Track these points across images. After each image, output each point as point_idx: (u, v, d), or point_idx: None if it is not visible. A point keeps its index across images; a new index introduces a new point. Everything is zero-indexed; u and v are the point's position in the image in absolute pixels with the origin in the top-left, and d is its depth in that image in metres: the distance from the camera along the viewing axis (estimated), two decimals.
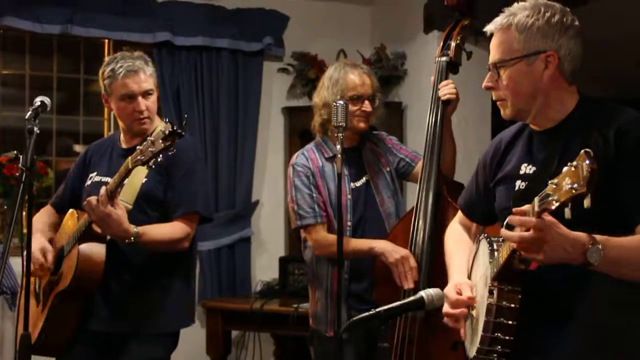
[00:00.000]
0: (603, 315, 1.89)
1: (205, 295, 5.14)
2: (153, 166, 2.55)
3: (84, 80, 5.31)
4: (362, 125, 3.15)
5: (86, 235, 2.79)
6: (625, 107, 1.94)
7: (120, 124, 3.03)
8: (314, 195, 3.16)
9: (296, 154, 3.29)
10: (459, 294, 2.06)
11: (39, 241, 2.89)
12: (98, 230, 2.77)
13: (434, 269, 2.80)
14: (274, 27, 5.38)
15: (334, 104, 2.82)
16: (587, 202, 1.50)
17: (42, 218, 3.10)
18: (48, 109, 2.71)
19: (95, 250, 2.79)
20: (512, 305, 1.86)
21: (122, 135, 3.04)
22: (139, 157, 2.53)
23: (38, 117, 2.60)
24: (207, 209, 3.00)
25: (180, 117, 5.09)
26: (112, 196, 2.64)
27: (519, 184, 2.02)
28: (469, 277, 2.14)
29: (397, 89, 5.33)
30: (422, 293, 2.05)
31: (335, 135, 2.84)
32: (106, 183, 2.89)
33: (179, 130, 2.44)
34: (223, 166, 5.19)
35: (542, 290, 1.90)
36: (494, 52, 2.00)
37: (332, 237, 3.07)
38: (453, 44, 3.05)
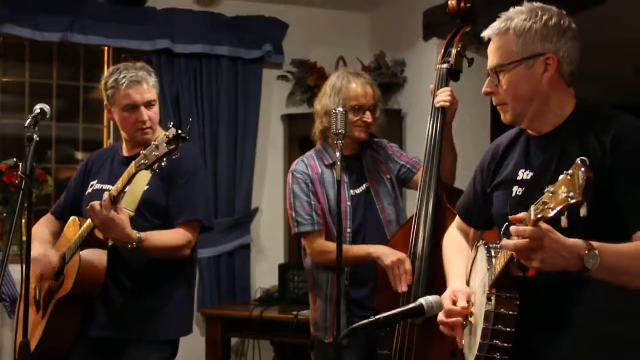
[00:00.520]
0: (601, 323, 1.89)
1: (204, 302, 5.14)
2: (157, 170, 2.56)
3: (84, 87, 5.32)
4: (362, 135, 3.16)
5: (88, 241, 2.80)
6: (622, 113, 1.94)
7: (123, 133, 3.04)
8: (313, 203, 3.16)
9: (296, 161, 3.30)
10: (455, 302, 2.05)
11: (39, 248, 2.91)
12: (101, 235, 2.78)
13: (434, 276, 2.79)
14: (274, 35, 5.40)
15: (334, 111, 2.82)
16: (583, 211, 1.50)
17: (43, 228, 3.11)
18: (48, 116, 2.71)
19: (97, 256, 2.80)
20: (511, 313, 1.86)
21: (124, 145, 3.06)
22: (143, 162, 2.54)
23: (38, 125, 2.60)
24: (208, 218, 3.00)
25: (180, 124, 5.09)
26: (115, 201, 2.65)
27: (517, 190, 2.02)
28: (468, 284, 2.14)
29: (397, 96, 5.33)
30: (422, 300, 2.05)
31: (335, 142, 2.85)
32: (107, 191, 2.90)
33: (184, 135, 2.44)
34: (223, 173, 5.19)
35: (540, 298, 1.90)
36: (493, 57, 2.00)
37: (330, 245, 3.08)
38: (454, 51, 3.05)
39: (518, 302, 1.86)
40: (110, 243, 2.82)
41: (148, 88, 2.91)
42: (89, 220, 2.79)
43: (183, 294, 3.00)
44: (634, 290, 1.85)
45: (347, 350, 3.02)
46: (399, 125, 5.20)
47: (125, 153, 3.03)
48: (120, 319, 2.87)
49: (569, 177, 1.52)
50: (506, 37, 1.97)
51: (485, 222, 2.22)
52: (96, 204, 2.64)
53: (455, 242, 2.36)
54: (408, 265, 2.88)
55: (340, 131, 2.79)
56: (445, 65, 3.06)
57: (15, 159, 4.49)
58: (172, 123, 2.52)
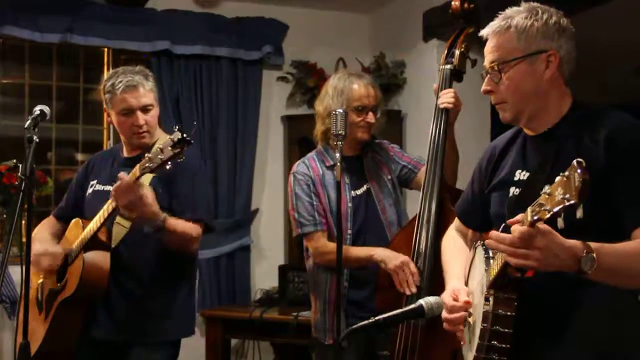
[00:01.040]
0: (600, 323, 1.89)
1: (204, 303, 5.14)
2: (159, 174, 2.56)
3: (84, 89, 5.31)
4: (364, 136, 3.16)
5: (91, 243, 2.80)
6: (616, 110, 1.95)
7: (122, 136, 3.05)
8: (314, 203, 3.17)
9: (297, 163, 3.30)
10: (456, 299, 2.06)
11: (39, 246, 2.92)
12: (104, 237, 2.80)
13: (436, 277, 2.79)
14: (274, 36, 5.39)
15: (333, 112, 2.83)
16: (579, 213, 1.51)
17: (44, 229, 3.12)
18: (47, 117, 2.71)
19: (100, 258, 2.81)
20: (508, 313, 1.86)
21: (124, 146, 3.07)
22: (147, 164, 2.54)
23: (37, 126, 2.61)
24: (210, 218, 3.01)
25: (181, 125, 5.07)
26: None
27: (513, 191, 2.02)
28: (466, 284, 2.13)
29: (397, 97, 5.33)
30: (422, 301, 2.05)
31: (335, 143, 2.85)
32: (108, 192, 2.91)
33: (188, 138, 2.45)
34: (222, 174, 5.19)
35: (539, 298, 1.90)
36: (493, 54, 2.00)
37: (332, 245, 3.07)
38: (457, 52, 3.05)
39: (516, 303, 1.86)
40: (114, 245, 2.83)
41: (144, 92, 2.92)
42: (92, 223, 2.81)
43: (185, 295, 3.01)
44: (633, 290, 1.85)
45: (346, 352, 3.01)
46: (399, 126, 5.20)
47: (125, 154, 3.05)
48: (123, 321, 2.87)
49: (565, 179, 1.53)
50: (507, 34, 1.97)
51: (483, 223, 2.22)
52: (123, 182, 2.61)
53: (453, 244, 2.36)
54: (413, 267, 2.87)
55: (340, 132, 2.80)
56: (448, 66, 3.06)
57: (14, 160, 4.49)
58: (177, 127, 2.52)
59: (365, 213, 3.19)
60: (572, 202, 1.50)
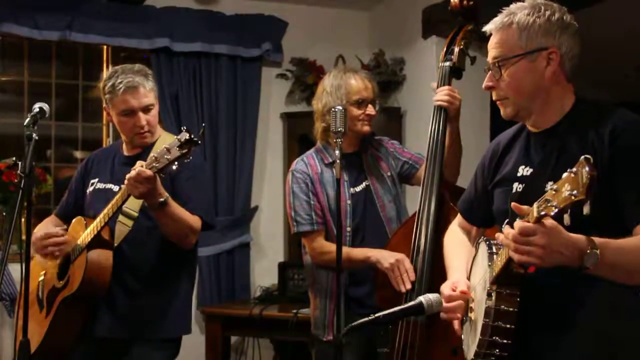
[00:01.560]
0: (602, 319, 1.89)
1: (204, 301, 5.14)
2: (168, 173, 2.57)
3: (83, 86, 5.32)
4: (366, 128, 3.17)
5: (94, 242, 2.80)
6: (620, 107, 1.95)
7: (122, 135, 3.06)
8: (312, 202, 3.17)
9: (296, 161, 3.30)
10: (454, 290, 2.07)
11: (42, 229, 2.92)
12: (106, 236, 2.80)
13: (436, 275, 2.79)
14: (273, 33, 5.39)
15: (333, 109, 2.83)
16: (586, 209, 1.51)
17: (46, 224, 3.11)
18: (47, 115, 2.71)
19: (103, 256, 2.81)
20: (511, 309, 1.86)
21: (124, 144, 3.07)
22: (154, 164, 2.54)
23: (37, 124, 2.60)
24: (210, 215, 3.01)
25: (179, 123, 5.09)
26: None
27: (517, 186, 2.02)
28: (468, 280, 2.14)
29: (396, 95, 5.33)
30: (422, 298, 2.05)
31: (335, 141, 2.85)
32: (109, 190, 2.90)
33: (195, 139, 2.46)
34: (222, 172, 5.19)
35: (541, 294, 1.90)
36: (495, 51, 2.00)
37: (329, 245, 3.09)
38: (457, 49, 3.05)
39: (518, 299, 1.86)
40: (116, 243, 2.84)
41: (145, 92, 2.91)
42: (95, 222, 2.80)
43: (185, 293, 3.02)
44: (635, 286, 1.86)
45: (346, 348, 3.02)
46: (398, 123, 5.20)
47: (125, 152, 3.05)
48: (125, 319, 2.88)
49: (572, 175, 1.53)
50: (509, 30, 1.97)
51: (486, 220, 2.22)
52: (141, 176, 2.56)
53: (456, 239, 2.36)
54: (407, 263, 2.88)
55: (339, 129, 2.80)
56: (447, 63, 3.05)
57: (14, 158, 4.48)
58: (184, 127, 2.52)
59: (365, 210, 3.19)
60: (579, 198, 1.50)
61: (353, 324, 2.05)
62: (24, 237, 2.65)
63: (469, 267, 2.16)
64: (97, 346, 2.90)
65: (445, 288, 2.10)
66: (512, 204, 1.74)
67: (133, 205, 2.81)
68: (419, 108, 4.90)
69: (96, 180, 3.03)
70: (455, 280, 2.12)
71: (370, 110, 3.16)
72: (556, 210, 1.56)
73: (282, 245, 5.49)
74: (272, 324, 4.62)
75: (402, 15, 5.24)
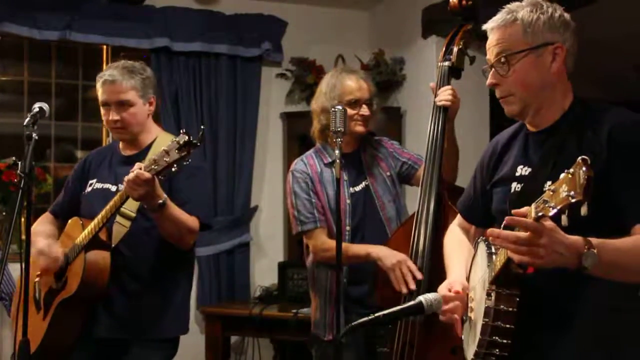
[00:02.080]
0: (601, 319, 1.89)
1: (204, 300, 5.14)
2: (167, 176, 2.57)
3: (83, 86, 5.32)
4: (360, 129, 3.16)
5: (92, 243, 2.80)
6: (618, 107, 1.95)
7: None
8: (313, 200, 3.17)
9: (295, 161, 3.31)
10: (450, 291, 2.07)
11: (44, 242, 2.91)
12: (104, 237, 2.80)
13: (435, 275, 2.79)
14: (273, 33, 5.39)
15: (332, 109, 2.83)
16: (584, 210, 1.51)
17: (41, 226, 3.11)
18: (47, 115, 2.71)
19: (101, 257, 2.81)
20: (510, 309, 1.86)
21: (120, 143, 3.08)
22: (153, 167, 2.54)
23: (37, 123, 2.60)
24: (208, 216, 3.01)
25: (179, 122, 5.10)
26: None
27: (515, 186, 2.03)
28: (468, 280, 2.14)
29: (396, 94, 5.33)
30: (421, 298, 2.04)
31: (334, 140, 2.85)
32: (107, 190, 2.90)
33: (195, 141, 2.46)
34: (222, 171, 5.19)
35: (541, 294, 1.90)
36: (499, 47, 2.00)
37: (331, 242, 3.09)
38: (455, 48, 3.04)
39: (518, 299, 1.86)
40: (114, 244, 2.83)
41: (121, 88, 2.91)
42: (93, 223, 2.80)
43: (183, 293, 3.02)
44: (635, 286, 1.86)
45: (346, 347, 3.02)
46: (398, 123, 5.20)
47: (123, 152, 3.05)
48: (123, 319, 2.88)
49: (569, 176, 1.53)
50: (513, 27, 1.97)
51: (485, 219, 2.22)
52: (140, 178, 2.57)
53: (455, 239, 2.36)
54: (410, 263, 2.87)
55: (339, 129, 2.80)
56: (446, 63, 3.05)
57: (14, 158, 4.47)
58: (183, 130, 2.52)
59: (364, 209, 3.19)
60: (577, 199, 1.50)
61: (353, 323, 2.05)
62: (23, 237, 2.65)
63: (468, 266, 2.17)
64: (96, 347, 2.90)
65: (442, 289, 2.10)
66: (512, 211, 1.74)
67: (131, 205, 2.81)
68: (419, 108, 4.90)
69: (94, 180, 3.03)
70: (452, 280, 2.12)
71: (364, 110, 3.16)
72: (554, 211, 1.56)
73: (282, 245, 5.49)
74: (272, 323, 4.62)
75: (402, 15, 5.24)
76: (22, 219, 2.67)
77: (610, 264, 1.72)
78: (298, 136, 5.21)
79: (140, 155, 2.91)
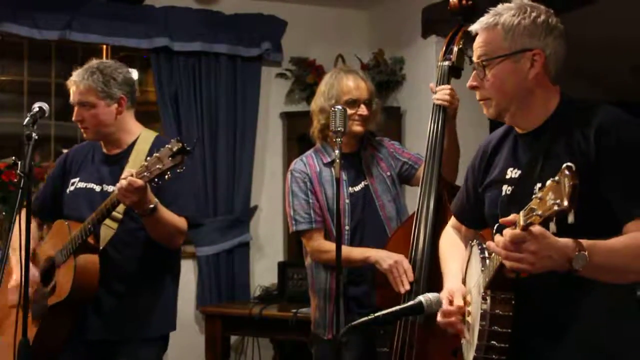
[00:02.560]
0: (598, 322, 1.89)
1: (204, 300, 5.14)
2: (159, 182, 2.57)
3: None
4: (358, 128, 3.16)
5: (81, 247, 2.79)
6: (606, 105, 1.94)
7: None
8: (310, 201, 3.17)
9: (295, 160, 3.31)
10: (451, 302, 2.06)
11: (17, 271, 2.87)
12: (92, 240, 2.79)
13: (435, 274, 2.79)
14: (272, 33, 5.39)
15: (332, 109, 2.83)
16: (570, 218, 1.51)
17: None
18: (46, 114, 2.71)
19: (91, 261, 2.80)
20: (506, 313, 1.86)
21: (102, 142, 3.05)
22: (145, 174, 2.54)
23: (36, 123, 2.61)
24: (196, 214, 3.00)
25: (179, 122, 5.10)
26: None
27: (506, 189, 2.02)
28: (464, 282, 2.14)
29: (396, 94, 5.33)
30: (421, 298, 2.04)
31: (334, 140, 2.85)
32: (90, 190, 2.91)
33: (189, 148, 2.46)
34: (222, 171, 5.19)
35: (536, 297, 1.90)
36: (480, 51, 2.01)
37: (328, 244, 3.10)
38: (455, 48, 3.05)
39: (513, 302, 1.86)
40: (101, 246, 2.83)
41: (80, 89, 2.90)
42: (84, 225, 2.78)
43: (171, 292, 3.03)
44: (633, 288, 1.86)
45: (346, 347, 3.02)
46: (398, 123, 5.20)
47: (105, 150, 3.03)
48: (113, 320, 2.88)
49: (555, 184, 1.53)
50: (494, 31, 1.97)
51: (478, 221, 2.22)
52: (133, 186, 2.56)
53: (450, 242, 2.36)
54: (406, 264, 2.89)
55: (339, 129, 2.80)
56: (446, 63, 3.06)
57: (13, 158, 4.47)
58: (178, 137, 2.52)
59: (363, 209, 3.19)
60: (563, 208, 1.50)
61: (352, 323, 2.05)
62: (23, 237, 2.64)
63: (464, 269, 2.17)
64: (86, 348, 2.90)
65: (443, 299, 2.08)
66: (500, 220, 1.74)
67: (118, 207, 2.79)
68: (419, 107, 4.90)
69: (77, 179, 3.01)
70: (451, 289, 2.11)
71: (363, 110, 3.16)
72: (541, 219, 1.57)
73: (282, 245, 5.49)
74: (271, 323, 4.62)
75: (402, 15, 5.24)
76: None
77: (602, 265, 1.73)
78: (298, 136, 5.21)
79: (124, 154, 2.92)
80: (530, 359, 1.94)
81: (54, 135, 5.25)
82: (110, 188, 2.87)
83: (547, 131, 1.96)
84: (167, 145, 2.50)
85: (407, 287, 2.85)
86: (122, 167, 2.88)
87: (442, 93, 2.98)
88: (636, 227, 1.80)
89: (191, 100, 5.15)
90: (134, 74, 3.04)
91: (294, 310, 4.45)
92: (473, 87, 2.04)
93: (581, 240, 1.70)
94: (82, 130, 2.98)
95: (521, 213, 1.64)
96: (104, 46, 5.21)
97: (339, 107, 2.83)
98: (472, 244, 2.07)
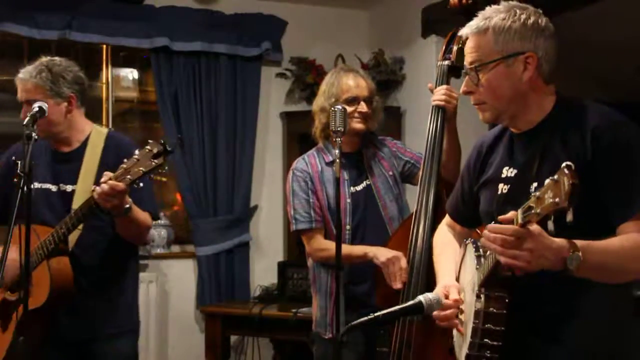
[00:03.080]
0: (597, 320, 1.90)
1: (204, 300, 5.14)
2: (140, 184, 2.57)
3: None
4: (358, 126, 3.16)
5: (52, 250, 2.77)
6: (600, 106, 1.95)
7: None
8: (311, 200, 3.18)
9: (297, 160, 3.32)
10: (447, 296, 2.07)
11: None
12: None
13: (433, 274, 2.79)
14: (272, 32, 5.40)
15: (332, 109, 2.83)
16: (569, 216, 1.52)
17: None
18: (46, 114, 2.71)
19: (63, 264, 2.79)
20: (500, 311, 1.87)
21: (51, 140, 3.00)
22: (127, 177, 2.53)
23: (36, 123, 2.60)
24: (155, 208, 2.99)
25: (179, 122, 5.10)
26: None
27: (502, 188, 2.03)
28: (457, 281, 2.14)
29: (396, 94, 5.34)
30: (421, 297, 2.05)
31: (334, 140, 2.85)
32: (47, 190, 2.87)
33: (170, 149, 2.47)
34: (222, 171, 5.19)
35: (530, 296, 1.91)
36: (472, 56, 2.00)
37: (327, 243, 3.11)
38: (455, 47, 3.04)
39: (507, 300, 1.87)
40: (70, 248, 2.81)
41: (29, 87, 2.88)
42: (55, 231, 2.75)
43: (134, 286, 3.06)
44: (629, 286, 1.86)
45: (346, 346, 3.02)
46: (398, 123, 5.21)
47: (57, 149, 2.98)
48: (86, 319, 2.88)
49: (554, 182, 1.54)
50: (485, 35, 1.97)
51: (472, 220, 2.22)
52: (116, 189, 2.56)
53: (443, 240, 2.37)
54: (403, 262, 2.89)
55: (339, 128, 2.80)
56: (446, 62, 3.06)
57: (13, 157, 4.47)
58: (162, 140, 2.52)
59: (365, 209, 3.19)
60: (562, 206, 1.51)
61: (352, 323, 2.05)
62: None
63: (457, 267, 2.17)
64: (61, 349, 2.89)
65: (438, 294, 2.09)
66: (499, 217, 1.74)
67: (80, 204, 2.77)
68: (419, 107, 4.90)
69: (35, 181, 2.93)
70: (446, 284, 2.12)
71: (362, 107, 3.16)
72: (539, 218, 1.58)
73: (282, 245, 5.49)
74: (271, 323, 4.63)
75: (402, 15, 5.24)
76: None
77: (596, 266, 1.73)
78: (298, 135, 5.22)
79: (77, 152, 2.91)
80: (527, 358, 1.94)
81: None
82: (68, 187, 2.87)
83: (544, 131, 1.96)
84: (146, 147, 2.50)
85: (399, 285, 2.87)
86: (78, 165, 2.87)
87: (439, 94, 2.98)
88: (630, 228, 1.80)
89: (191, 100, 5.16)
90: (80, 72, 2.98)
91: (294, 310, 4.45)
92: (467, 93, 2.04)
93: (575, 241, 1.70)
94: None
95: (519, 211, 1.65)
96: (104, 46, 5.22)
97: (339, 106, 2.83)
98: (467, 242, 2.07)
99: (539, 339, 1.93)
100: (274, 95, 5.51)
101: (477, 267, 1.93)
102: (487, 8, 2.01)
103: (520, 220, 1.64)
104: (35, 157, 2.91)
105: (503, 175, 2.04)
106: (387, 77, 5.22)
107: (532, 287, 1.87)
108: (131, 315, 3.04)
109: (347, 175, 3.20)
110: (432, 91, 3.05)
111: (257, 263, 5.41)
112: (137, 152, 2.55)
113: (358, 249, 3.07)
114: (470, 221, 2.25)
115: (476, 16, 2.02)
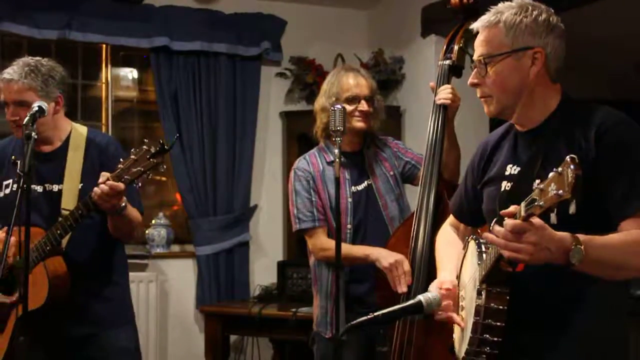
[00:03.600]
0: (591, 317, 1.90)
1: (203, 299, 5.14)
2: (139, 184, 2.59)
3: (82, 85, 5.32)
4: (360, 125, 3.17)
5: (48, 251, 2.77)
6: (605, 107, 1.96)
7: None
8: (313, 199, 3.18)
9: (298, 159, 3.32)
10: (441, 289, 2.08)
11: None
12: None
13: (434, 273, 2.79)
14: (272, 32, 5.40)
15: (332, 108, 2.84)
16: (572, 208, 1.53)
17: None
18: (46, 114, 2.71)
19: (59, 264, 2.79)
20: (501, 307, 1.87)
21: None
22: (125, 177, 2.54)
23: (36, 122, 2.60)
24: (141, 205, 2.99)
25: (179, 121, 5.10)
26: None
27: (505, 185, 2.04)
28: (458, 278, 2.15)
29: (395, 93, 5.34)
30: (421, 297, 2.05)
31: (334, 139, 2.85)
32: (33, 191, 2.78)
33: (167, 147, 2.47)
34: (221, 171, 5.19)
35: (531, 292, 1.91)
36: (481, 48, 2.02)
37: (330, 242, 3.10)
38: (456, 47, 3.05)
39: (508, 297, 1.88)
40: (63, 246, 2.80)
41: (17, 87, 2.81)
42: (51, 231, 2.74)
43: (125, 279, 3.07)
44: (627, 285, 1.87)
45: (346, 346, 3.03)
46: (398, 122, 5.21)
47: (38, 148, 2.87)
48: (84, 316, 2.89)
49: (558, 174, 1.54)
50: (496, 29, 1.98)
51: (476, 219, 2.23)
52: (115, 190, 2.57)
53: (446, 239, 2.38)
54: (406, 265, 2.89)
55: (338, 128, 2.80)
56: (447, 61, 3.06)
57: (13, 157, 4.47)
58: (161, 140, 2.53)
59: (366, 209, 3.20)
60: (565, 197, 1.52)
61: (352, 322, 2.06)
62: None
63: (458, 265, 2.17)
64: (60, 346, 2.89)
65: (432, 288, 2.12)
66: (501, 212, 1.75)
67: (68, 204, 2.78)
68: (418, 107, 4.91)
69: (10, 181, 2.93)
70: (441, 279, 2.14)
71: (363, 106, 3.16)
72: (542, 209, 1.58)
73: (282, 244, 5.49)
74: (271, 323, 4.63)
75: (402, 14, 5.24)
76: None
77: (598, 260, 1.74)
78: (297, 135, 5.22)
79: (60, 151, 2.90)
80: (522, 353, 1.95)
81: None
82: (55, 187, 2.86)
83: (548, 129, 1.97)
84: (143, 147, 2.50)
85: (404, 289, 2.87)
86: (61, 163, 2.86)
87: (445, 92, 2.98)
88: (630, 225, 1.81)
89: (191, 100, 5.15)
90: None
91: (293, 310, 4.45)
92: (474, 85, 2.05)
93: (578, 235, 1.71)
94: (16, 129, 2.86)
95: (522, 204, 1.65)
96: (104, 45, 5.22)
97: (338, 106, 2.84)
98: (469, 239, 2.08)
99: (540, 337, 1.94)
100: (273, 95, 5.51)
101: (479, 262, 1.94)
102: (500, 4, 2.03)
103: (523, 213, 1.64)
104: (10, 156, 2.94)
105: (507, 173, 2.04)
106: (386, 76, 5.22)
107: (533, 284, 1.88)
108: (126, 307, 3.05)
109: (348, 174, 3.20)
110: (433, 90, 3.05)
111: (256, 263, 5.41)
112: (133, 151, 2.54)
113: (359, 250, 3.07)
114: (473, 220, 2.26)
115: (488, 10, 2.02)
